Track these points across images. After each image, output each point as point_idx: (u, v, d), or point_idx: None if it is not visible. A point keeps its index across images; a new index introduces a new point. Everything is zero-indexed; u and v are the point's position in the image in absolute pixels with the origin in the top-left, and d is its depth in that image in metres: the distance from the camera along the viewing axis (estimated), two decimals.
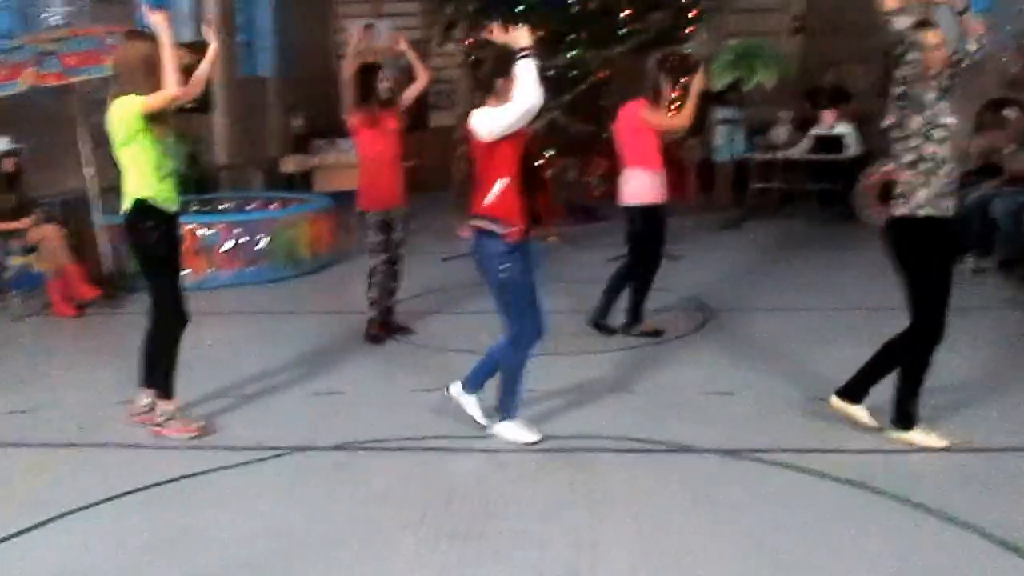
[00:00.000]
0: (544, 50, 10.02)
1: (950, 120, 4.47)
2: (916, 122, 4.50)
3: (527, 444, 4.77)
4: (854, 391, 4.89)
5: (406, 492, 4.30)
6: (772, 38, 14.47)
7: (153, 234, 4.86)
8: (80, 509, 4.19)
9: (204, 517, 4.10)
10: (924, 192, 4.51)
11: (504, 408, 4.86)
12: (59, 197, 9.28)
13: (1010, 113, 9.39)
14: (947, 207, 4.54)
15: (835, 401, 4.94)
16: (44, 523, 4.07)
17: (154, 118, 4.74)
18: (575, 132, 11.45)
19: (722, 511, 4.07)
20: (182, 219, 5.14)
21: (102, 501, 4.27)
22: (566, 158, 12.03)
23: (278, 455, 4.78)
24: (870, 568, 3.59)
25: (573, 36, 10.69)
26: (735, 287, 8.50)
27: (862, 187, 11.72)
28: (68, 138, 9.02)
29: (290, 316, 7.95)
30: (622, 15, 10.79)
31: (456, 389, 5.08)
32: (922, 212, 4.54)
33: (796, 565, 3.62)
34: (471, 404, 5.03)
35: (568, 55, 10.78)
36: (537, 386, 5.39)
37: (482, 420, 4.97)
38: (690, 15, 11.39)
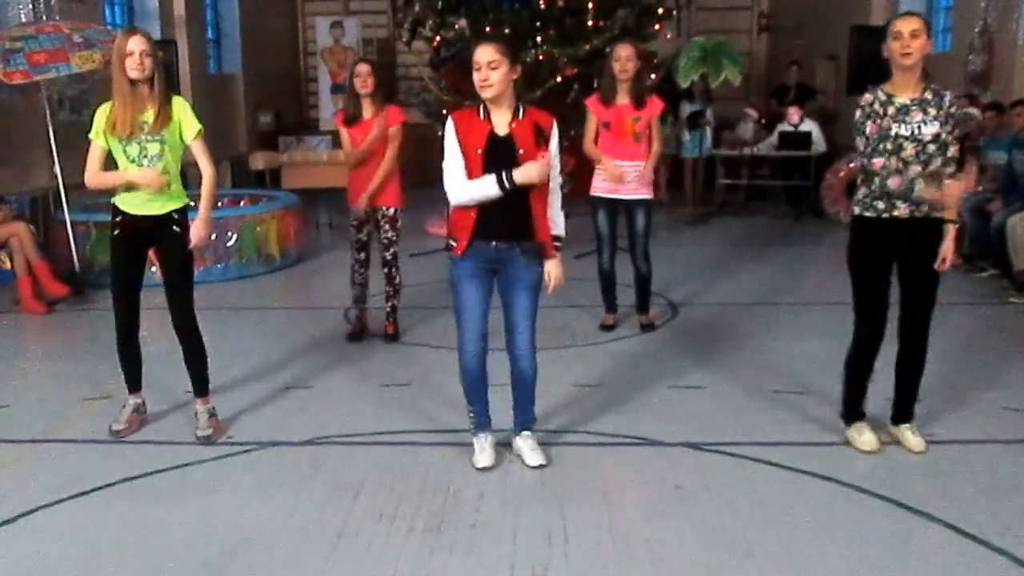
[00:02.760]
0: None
1: (901, 130, 4.29)
2: (871, 128, 4.38)
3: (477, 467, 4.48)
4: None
5: (377, 486, 4.32)
6: (739, 36, 14.62)
7: (112, 233, 4.85)
8: (47, 505, 4.17)
9: (174, 513, 4.10)
10: (863, 190, 4.44)
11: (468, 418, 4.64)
12: (27, 194, 9.23)
13: (976, 111, 9.53)
14: (883, 211, 4.37)
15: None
16: (10, 520, 4.05)
17: (113, 114, 4.64)
18: None
19: (690, 503, 4.12)
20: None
21: (69, 497, 4.25)
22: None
23: (249, 450, 4.78)
24: (835, 558, 3.65)
25: (541, 33, 10.73)
26: (703, 282, 8.58)
27: (827, 183, 11.85)
28: (36, 135, 8.97)
29: (259, 312, 7.95)
30: (589, 12, 10.84)
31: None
32: (856, 210, 4.49)
33: (762, 555, 3.67)
34: (523, 448, 4.58)
35: (536, 52, 10.81)
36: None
37: (534, 461, 4.50)
38: (658, 12, 11.45)
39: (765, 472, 4.44)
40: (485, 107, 4.25)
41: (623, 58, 6.41)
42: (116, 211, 4.80)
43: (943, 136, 4.30)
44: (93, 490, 4.32)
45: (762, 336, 6.68)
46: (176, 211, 4.84)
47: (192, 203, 4.96)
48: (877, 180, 4.34)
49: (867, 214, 4.43)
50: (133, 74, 4.57)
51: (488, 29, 10.40)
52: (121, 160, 4.70)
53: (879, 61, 11.66)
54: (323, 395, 5.61)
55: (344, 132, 6.56)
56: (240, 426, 5.12)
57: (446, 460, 4.60)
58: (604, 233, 6.73)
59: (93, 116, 4.73)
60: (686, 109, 13.00)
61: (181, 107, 4.75)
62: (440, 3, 11.02)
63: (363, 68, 6.44)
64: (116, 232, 4.83)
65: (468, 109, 4.35)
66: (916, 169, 4.28)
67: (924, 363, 4.63)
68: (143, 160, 4.67)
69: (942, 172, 4.33)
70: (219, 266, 8.94)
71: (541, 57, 10.67)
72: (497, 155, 4.19)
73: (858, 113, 4.40)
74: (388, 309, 6.75)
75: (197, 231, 4.85)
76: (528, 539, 3.82)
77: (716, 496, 4.18)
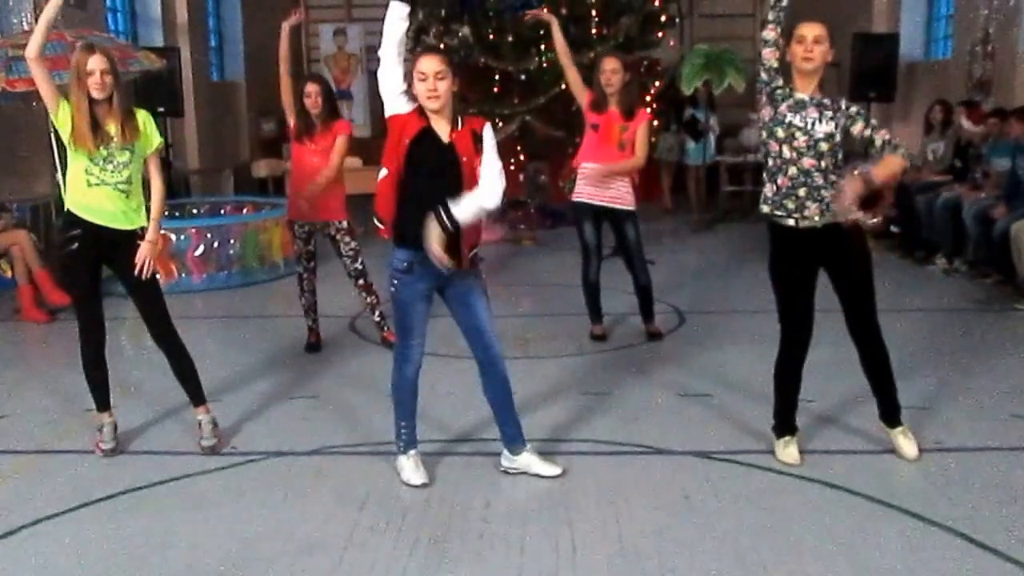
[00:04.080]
0: (516, 54, 10.04)
1: (795, 120, 4.30)
2: (766, 113, 4.41)
3: (409, 485, 4.42)
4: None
5: (384, 496, 4.29)
6: (742, 43, 14.59)
7: (70, 244, 4.66)
8: (48, 517, 4.14)
9: (178, 523, 4.07)
10: (769, 188, 4.43)
11: (396, 437, 4.55)
12: (29, 202, 9.22)
13: (968, 124, 9.52)
14: (794, 211, 4.36)
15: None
16: (12, 532, 4.02)
17: (74, 127, 4.51)
18: (546, 136, 11.50)
19: (699, 513, 4.10)
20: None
21: (71, 509, 4.21)
22: (537, 161, 12.07)
23: (254, 460, 4.75)
24: (844, 568, 3.62)
25: (544, 41, 10.73)
26: (708, 289, 8.56)
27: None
28: (37, 143, 8.96)
29: (263, 320, 7.92)
30: (592, 20, 10.85)
31: (508, 461, 4.56)
32: (764, 208, 4.48)
33: (772, 565, 3.64)
34: (533, 462, 4.52)
35: (539, 59, 10.82)
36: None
37: (551, 471, 4.50)
38: (660, 19, 11.46)
39: (774, 480, 4.42)
40: (425, 115, 4.17)
41: (608, 71, 6.39)
42: (74, 221, 4.64)
43: (838, 137, 4.32)
44: (95, 501, 4.29)
45: (768, 343, 6.57)
46: (143, 227, 4.72)
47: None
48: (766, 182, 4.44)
49: (779, 216, 4.42)
50: (95, 93, 4.49)
51: (491, 37, 10.43)
52: (83, 162, 4.55)
53: (881, 68, 11.64)
54: (328, 404, 5.58)
55: (293, 147, 6.50)
56: (244, 436, 5.09)
57: (452, 469, 4.57)
58: (590, 244, 6.67)
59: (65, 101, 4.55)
60: (689, 116, 12.99)
61: (146, 119, 4.69)
62: (444, 11, 11.04)
63: (312, 88, 6.30)
64: (75, 246, 4.65)
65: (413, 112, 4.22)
66: (809, 162, 4.30)
67: (887, 359, 4.60)
68: (107, 166, 4.56)
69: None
70: (222, 274, 8.92)
71: (545, 64, 10.68)
72: (433, 156, 4.13)
73: (763, 75, 4.39)
74: (377, 319, 6.71)
75: (145, 253, 4.66)
76: (536, 549, 3.79)
77: (725, 505, 4.16)
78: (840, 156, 4.36)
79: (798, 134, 4.31)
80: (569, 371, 6.01)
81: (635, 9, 11.26)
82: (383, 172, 4.24)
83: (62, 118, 4.53)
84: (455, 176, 4.13)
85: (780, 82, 4.37)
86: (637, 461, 4.71)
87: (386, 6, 4.27)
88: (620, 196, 6.53)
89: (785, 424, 4.68)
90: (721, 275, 9.23)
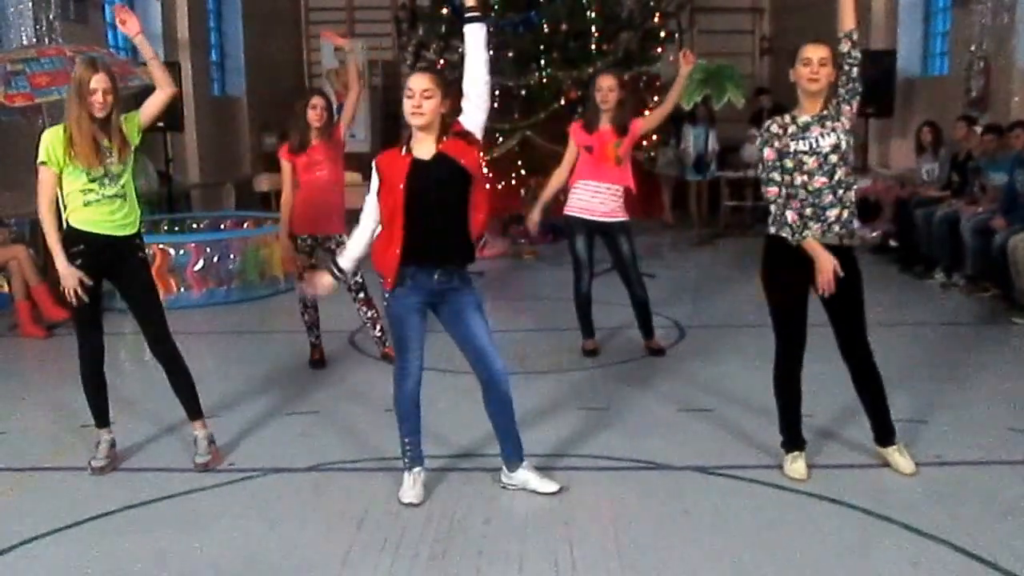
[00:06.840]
0: (516, 70, 10.06)
1: (801, 145, 4.33)
2: (770, 154, 4.42)
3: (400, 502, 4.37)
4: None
5: (383, 513, 4.27)
6: (741, 58, 14.64)
7: (74, 260, 4.59)
8: (44, 535, 4.12)
9: (176, 541, 4.05)
10: (773, 210, 4.44)
11: (402, 454, 4.49)
12: (27, 217, 9.20)
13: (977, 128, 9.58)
14: (793, 231, 4.37)
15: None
16: (6, 550, 4.00)
17: (72, 144, 4.51)
18: (547, 151, 11.49)
19: (699, 528, 4.08)
20: (153, 239, 4.97)
21: (67, 527, 4.19)
22: (537, 177, 12.07)
23: (250, 477, 4.74)
24: None
25: (544, 57, 10.77)
26: (709, 303, 8.56)
27: None
28: (35, 158, 8.95)
29: (262, 336, 7.92)
30: (592, 36, 10.88)
31: (507, 478, 4.53)
32: (771, 229, 4.48)
33: None
34: (530, 478, 4.49)
35: (539, 75, 10.84)
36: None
37: (549, 488, 4.46)
38: (660, 35, 11.49)
39: (773, 495, 4.40)
40: (408, 142, 4.20)
41: (604, 89, 6.45)
42: (76, 235, 4.61)
43: (843, 146, 4.35)
44: (91, 519, 4.27)
45: (768, 358, 6.59)
46: (137, 236, 4.75)
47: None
48: (772, 208, 4.44)
49: (782, 233, 4.43)
50: (96, 112, 4.49)
51: (491, 53, 10.44)
52: (79, 182, 4.54)
53: (879, 84, 11.69)
54: (326, 420, 5.56)
55: (287, 164, 6.49)
56: (242, 452, 5.07)
57: (451, 486, 4.56)
58: (583, 258, 6.67)
59: (39, 141, 4.58)
60: (688, 132, 12.98)
61: (129, 122, 4.67)
62: (443, 27, 11.08)
63: (319, 101, 6.40)
64: (79, 262, 4.59)
65: (391, 149, 4.28)
66: (820, 181, 4.32)
67: (879, 379, 4.62)
68: (106, 180, 4.56)
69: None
70: (222, 289, 8.91)
71: (545, 80, 10.70)
72: (424, 179, 4.11)
73: (758, 141, 4.51)
74: (378, 335, 6.68)
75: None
76: (535, 566, 3.78)
77: (725, 520, 4.14)
78: (849, 170, 4.39)
79: (806, 158, 4.33)
80: (568, 386, 6.00)
81: (635, 25, 11.30)
82: (377, 230, 4.27)
83: (60, 161, 4.55)
84: (453, 188, 4.14)
85: (776, 126, 4.41)
86: (637, 476, 4.70)
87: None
88: (611, 210, 6.54)
89: (793, 439, 4.66)
90: (722, 289, 9.23)
